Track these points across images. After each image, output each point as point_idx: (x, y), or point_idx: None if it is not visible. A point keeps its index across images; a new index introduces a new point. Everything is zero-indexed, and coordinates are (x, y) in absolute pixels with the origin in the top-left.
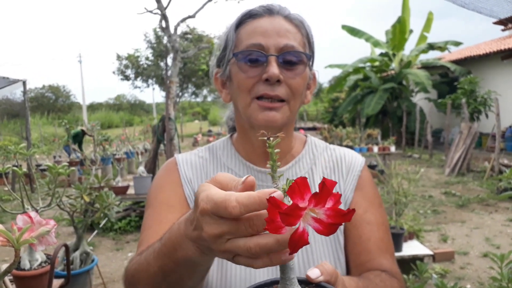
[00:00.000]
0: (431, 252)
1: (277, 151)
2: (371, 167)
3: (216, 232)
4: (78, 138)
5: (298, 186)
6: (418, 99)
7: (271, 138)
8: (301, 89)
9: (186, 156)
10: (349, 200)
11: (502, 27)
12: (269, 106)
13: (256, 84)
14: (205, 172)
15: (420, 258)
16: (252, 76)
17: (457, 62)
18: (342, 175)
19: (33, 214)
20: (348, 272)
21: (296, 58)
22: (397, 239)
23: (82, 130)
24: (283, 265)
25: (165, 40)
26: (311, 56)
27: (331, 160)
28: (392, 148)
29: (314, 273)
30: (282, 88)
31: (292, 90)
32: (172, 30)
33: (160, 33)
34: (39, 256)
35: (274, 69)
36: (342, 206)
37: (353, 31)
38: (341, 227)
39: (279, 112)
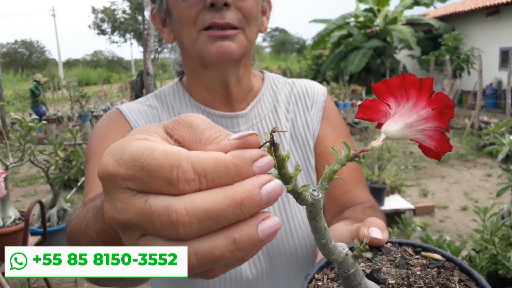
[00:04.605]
0: (412, 206)
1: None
2: (355, 123)
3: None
4: (39, 91)
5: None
6: (402, 56)
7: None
8: (255, 12)
9: (131, 105)
10: (316, 132)
11: None
12: (221, 34)
13: (200, 12)
14: (160, 122)
15: (402, 212)
16: (193, 4)
17: (441, 18)
18: (307, 108)
19: None
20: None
21: None
22: (380, 193)
23: (36, 81)
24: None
25: None
26: None
27: (292, 94)
28: None
29: (378, 233)
30: (232, 13)
31: (244, 14)
32: None
33: None
34: (12, 213)
35: None
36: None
37: None
38: (312, 153)
39: (234, 41)
